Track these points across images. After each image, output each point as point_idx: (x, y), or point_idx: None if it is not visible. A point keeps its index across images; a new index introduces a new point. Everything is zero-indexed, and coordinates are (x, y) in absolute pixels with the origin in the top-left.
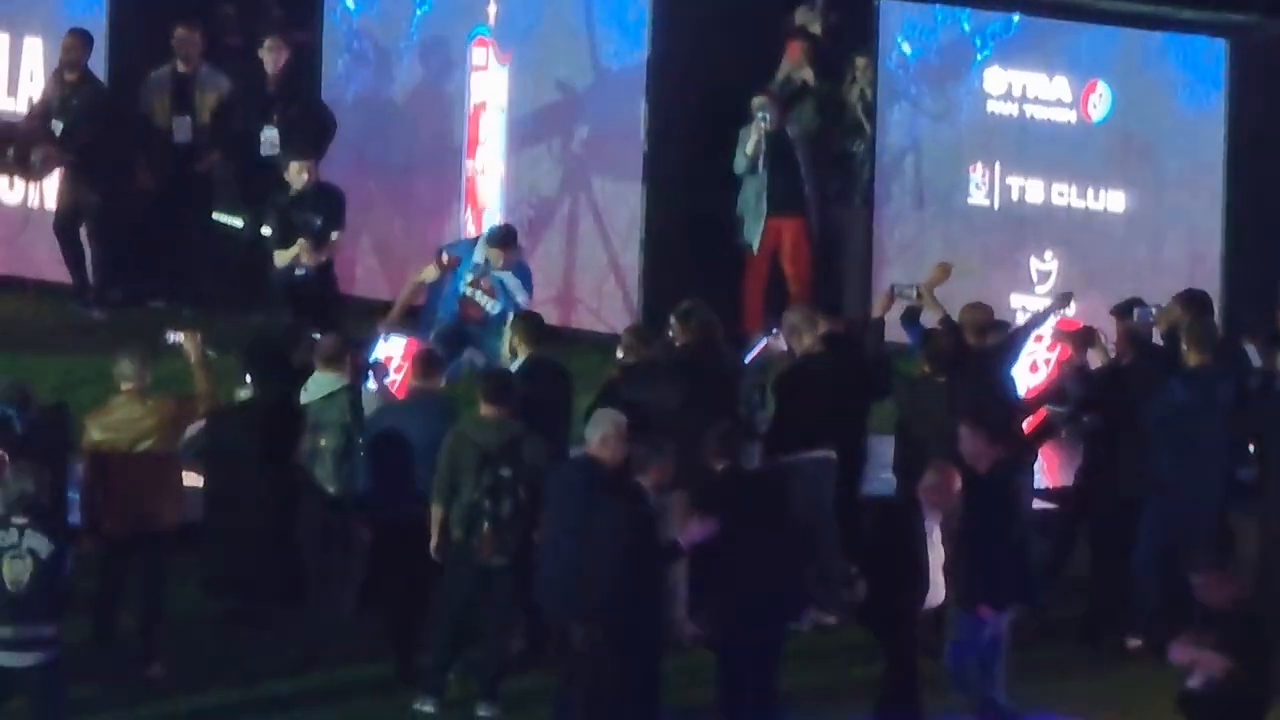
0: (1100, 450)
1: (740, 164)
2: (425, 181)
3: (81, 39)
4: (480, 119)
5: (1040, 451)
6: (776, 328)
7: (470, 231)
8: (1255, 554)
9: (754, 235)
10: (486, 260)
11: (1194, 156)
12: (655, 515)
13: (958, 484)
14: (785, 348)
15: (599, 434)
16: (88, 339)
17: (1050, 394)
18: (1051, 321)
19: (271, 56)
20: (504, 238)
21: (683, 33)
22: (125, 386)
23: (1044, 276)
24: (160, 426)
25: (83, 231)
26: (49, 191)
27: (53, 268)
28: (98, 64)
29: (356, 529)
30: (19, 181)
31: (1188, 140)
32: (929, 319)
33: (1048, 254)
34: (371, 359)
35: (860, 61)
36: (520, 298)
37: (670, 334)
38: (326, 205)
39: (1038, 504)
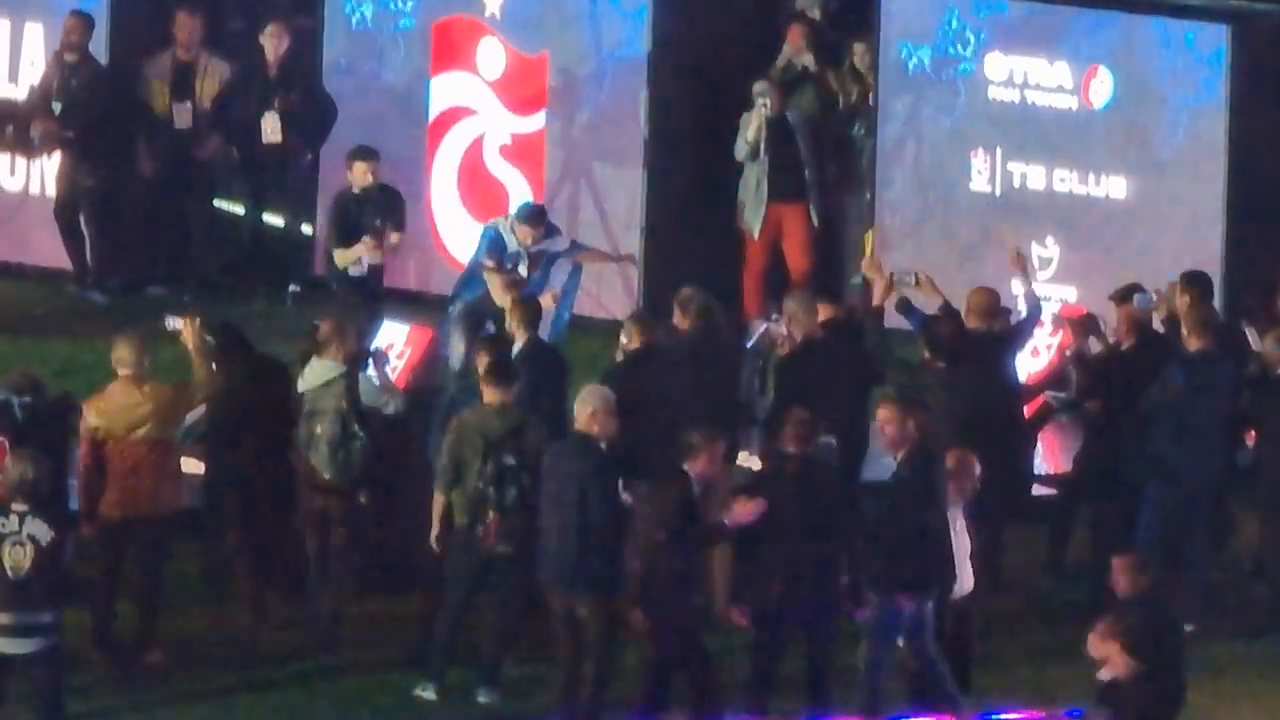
0: (1100, 435)
1: (741, 150)
2: (426, 168)
3: (83, 20)
4: None
5: (1040, 437)
6: (777, 313)
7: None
8: (1255, 538)
9: (755, 221)
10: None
11: (1195, 142)
12: (693, 495)
13: (978, 468)
14: (785, 333)
15: (588, 410)
16: (87, 324)
17: (1051, 380)
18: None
19: (272, 43)
20: (532, 215)
21: (683, 19)
22: (123, 372)
23: (1045, 263)
24: (158, 412)
25: (82, 217)
26: (49, 177)
27: (53, 253)
28: (99, 50)
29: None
30: (19, 167)
31: (1189, 126)
32: (929, 306)
33: (1049, 240)
34: (372, 347)
35: (859, 47)
36: (566, 260)
37: (672, 320)
38: (389, 205)
39: (1038, 489)
